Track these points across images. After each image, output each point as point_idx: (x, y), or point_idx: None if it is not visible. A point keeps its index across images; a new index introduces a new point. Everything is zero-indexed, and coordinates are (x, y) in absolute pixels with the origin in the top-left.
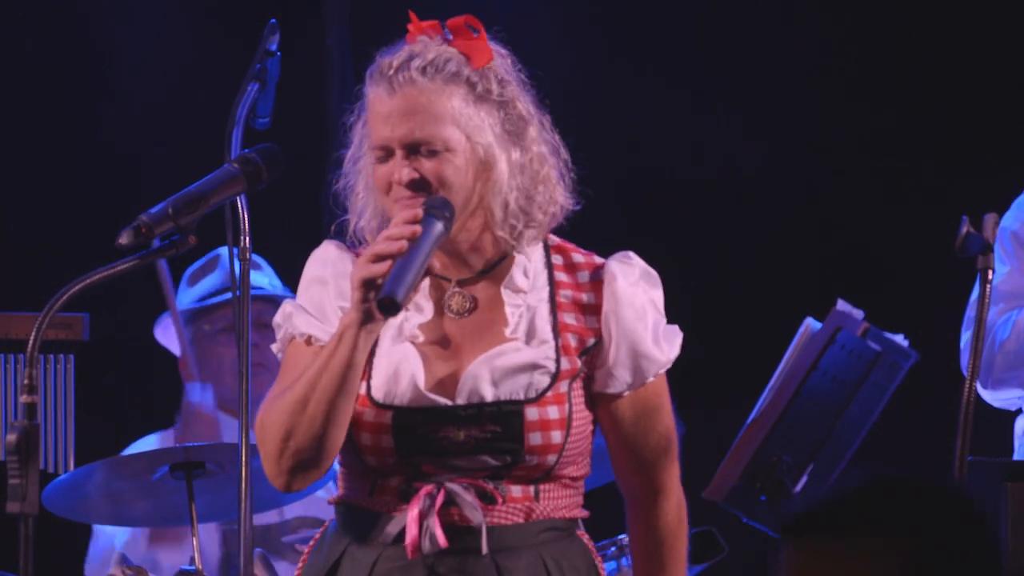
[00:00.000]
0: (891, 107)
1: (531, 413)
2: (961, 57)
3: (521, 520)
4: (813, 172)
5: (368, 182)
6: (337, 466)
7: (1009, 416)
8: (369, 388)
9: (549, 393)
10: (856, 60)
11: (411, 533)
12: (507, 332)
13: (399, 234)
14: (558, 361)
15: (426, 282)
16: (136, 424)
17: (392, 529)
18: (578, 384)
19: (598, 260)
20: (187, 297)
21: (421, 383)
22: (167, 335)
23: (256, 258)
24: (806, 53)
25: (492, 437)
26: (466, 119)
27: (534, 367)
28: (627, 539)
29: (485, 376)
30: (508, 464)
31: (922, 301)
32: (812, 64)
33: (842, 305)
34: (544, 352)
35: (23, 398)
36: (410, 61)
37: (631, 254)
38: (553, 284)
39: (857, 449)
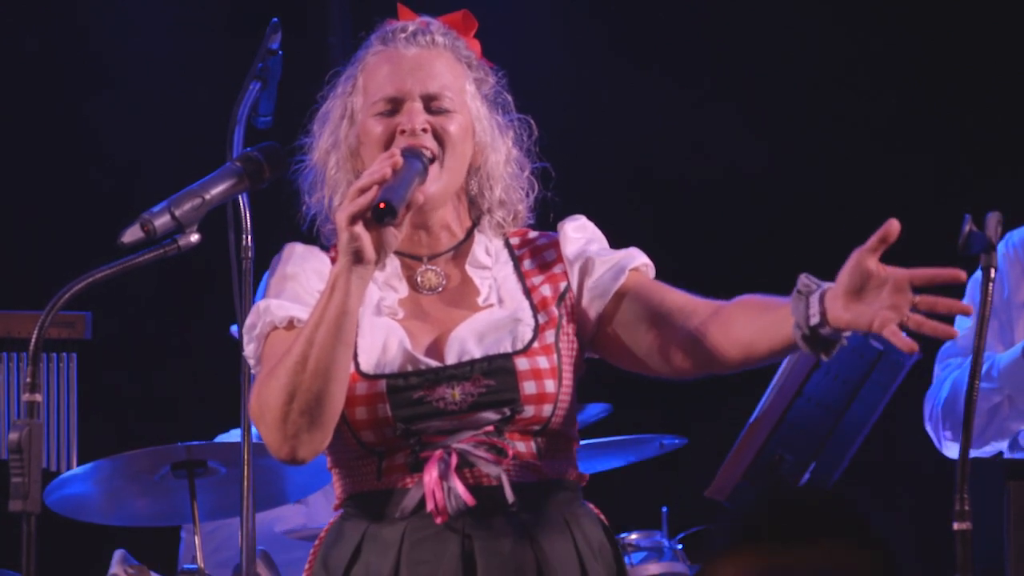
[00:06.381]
0: (893, 107)
1: (521, 363)
2: (964, 57)
3: (535, 479)
4: (815, 172)
5: (350, 148)
6: (328, 470)
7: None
8: (357, 364)
9: (535, 344)
10: (858, 60)
11: (436, 497)
12: (480, 301)
13: (380, 168)
14: (536, 315)
15: (397, 262)
16: (138, 423)
17: (410, 502)
18: (564, 337)
19: (551, 232)
20: None
21: (410, 348)
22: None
23: None
24: (809, 53)
25: (487, 391)
26: (471, 98)
27: (516, 321)
28: (630, 537)
29: (470, 336)
30: (507, 418)
31: None
32: (814, 64)
33: None
34: (521, 308)
35: (25, 396)
36: (429, 26)
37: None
38: (515, 259)
39: (859, 448)
